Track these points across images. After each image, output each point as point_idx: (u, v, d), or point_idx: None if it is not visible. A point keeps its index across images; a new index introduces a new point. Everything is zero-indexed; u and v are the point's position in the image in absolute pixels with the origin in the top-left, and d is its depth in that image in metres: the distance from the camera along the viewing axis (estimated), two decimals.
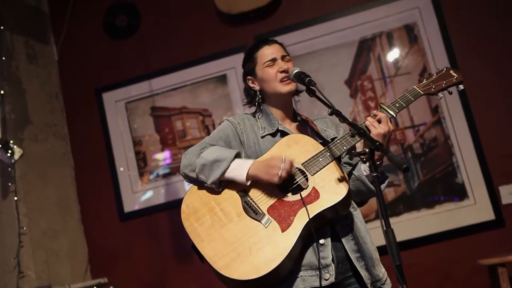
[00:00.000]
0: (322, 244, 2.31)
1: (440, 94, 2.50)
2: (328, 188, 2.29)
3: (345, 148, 2.35)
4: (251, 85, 2.61)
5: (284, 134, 2.50)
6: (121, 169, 4.53)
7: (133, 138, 4.57)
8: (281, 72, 2.50)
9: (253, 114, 2.63)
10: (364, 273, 2.35)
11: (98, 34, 4.74)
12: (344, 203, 2.30)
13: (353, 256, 2.36)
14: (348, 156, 2.52)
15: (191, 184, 2.52)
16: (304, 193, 2.30)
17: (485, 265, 3.73)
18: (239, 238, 2.29)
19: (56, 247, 4.16)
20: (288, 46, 2.71)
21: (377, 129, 2.31)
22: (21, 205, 3.93)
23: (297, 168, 2.36)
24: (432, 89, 2.48)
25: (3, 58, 3.98)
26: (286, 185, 2.35)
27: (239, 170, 2.34)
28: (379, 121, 2.34)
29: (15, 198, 3.90)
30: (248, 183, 2.35)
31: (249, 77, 2.61)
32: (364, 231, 2.43)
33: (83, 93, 4.68)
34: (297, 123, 2.63)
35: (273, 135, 2.51)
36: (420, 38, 4.19)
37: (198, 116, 4.49)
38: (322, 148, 2.39)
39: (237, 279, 2.22)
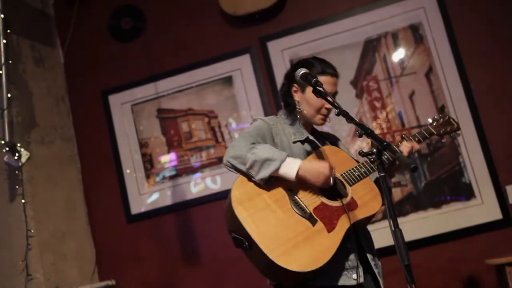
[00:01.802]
0: (349, 248, 2.50)
1: (445, 139, 2.94)
2: (365, 200, 2.54)
3: (376, 167, 2.56)
4: (293, 93, 2.69)
5: (312, 143, 2.66)
6: (128, 171, 4.54)
7: (139, 140, 4.58)
8: (326, 109, 2.63)
9: (281, 117, 2.74)
10: (380, 280, 2.58)
11: (104, 37, 4.76)
12: (373, 216, 2.57)
13: (372, 263, 2.58)
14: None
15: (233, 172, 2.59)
16: (345, 201, 2.51)
17: (493, 265, 3.72)
18: (294, 230, 2.40)
19: (63, 250, 4.17)
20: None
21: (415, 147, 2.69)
22: (28, 207, 3.94)
23: (336, 177, 2.56)
24: (441, 131, 2.88)
25: (10, 62, 4.00)
26: (328, 190, 2.53)
27: (290, 167, 2.43)
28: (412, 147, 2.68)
29: (23, 201, 3.91)
30: (295, 180, 2.46)
31: (295, 85, 2.67)
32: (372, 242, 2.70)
33: (89, 95, 4.70)
34: (315, 136, 2.77)
35: (302, 142, 2.65)
36: (425, 38, 4.19)
37: (204, 117, 4.50)
38: (355, 163, 2.65)
39: (295, 270, 2.32)
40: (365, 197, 2.56)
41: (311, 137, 2.67)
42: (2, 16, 3.94)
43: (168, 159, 4.51)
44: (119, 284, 4.38)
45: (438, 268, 3.98)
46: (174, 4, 4.67)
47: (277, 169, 2.42)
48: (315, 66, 2.64)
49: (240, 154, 2.46)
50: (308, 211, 2.45)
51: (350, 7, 4.34)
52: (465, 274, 3.95)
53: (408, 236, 3.87)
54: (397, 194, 4.10)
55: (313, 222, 2.43)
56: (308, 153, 2.63)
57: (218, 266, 4.29)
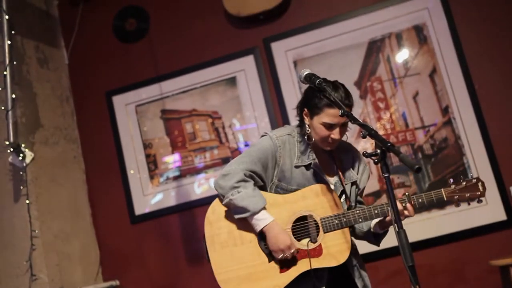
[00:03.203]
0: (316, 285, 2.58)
1: (459, 204, 2.63)
2: (332, 251, 2.57)
3: (360, 220, 2.58)
4: (304, 116, 2.66)
5: (315, 171, 2.64)
6: (132, 172, 4.55)
7: (143, 141, 4.59)
8: (332, 139, 2.58)
9: (295, 133, 2.71)
10: None
11: (108, 37, 4.77)
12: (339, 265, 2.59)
13: (358, 282, 2.66)
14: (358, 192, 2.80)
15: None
16: (311, 246, 2.57)
17: (497, 266, 3.71)
18: (245, 262, 2.58)
19: (67, 250, 4.18)
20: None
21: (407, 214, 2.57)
22: (32, 208, 3.95)
23: (314, 220, 2.60)
24: (455, 198, 2.61)
25: (14, 63, 4.00)
26: (298, 231, 2.61)
27: (257, 222, 2.56)
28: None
29: (27, 202, 3.92)
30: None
31: (306, 110, 2.64)
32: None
33: (94, 96, 4.71)
34: (325, 154, 2.73)
35: (306, 167, 2.65)
36: (429, 39, 4.18)
37: (208, 118, 4.50)
38: (341, 209, 2.62)
39: None
40: (333, 248, 2.57)
41: (313, 165, 2.63)
42: (6, 17, 3.95)
43: (172, 160, 4.52)
44: (123, 284, 4.39)
45: (442, 269, 3.97)
46: (178, 5, 4.68)
47: (248, 218, 2.56)
48: (326, 93, 2.52)
49: (224, 186, 2.59)
50: (268, 249, 2.57)
51: (354, 8, 4.33)
52: (469, 275, 3.94)
53: (412, 237, 3.87)
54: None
55: (270, 259, 2.57)
56: (306, 180, 2.65)
57: None
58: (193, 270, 4.34)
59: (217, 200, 2.68)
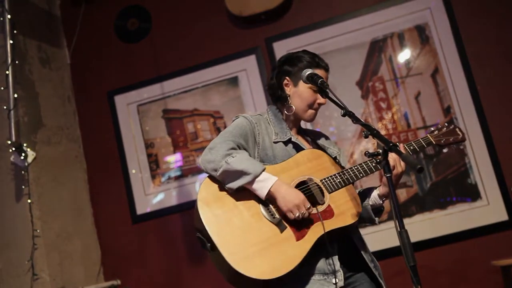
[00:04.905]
0: (330, 252, 2.39)
1: (446, 148, 2.75)
2: (343, 210, 2.43)
3: (361, 175, 2.49)
4: (285, 87, 2.61)
5: (295, 144, 2.55)
6: (133, 171, 4.55)
7: (145, 141, 4.59)
8: (318, 104, 2.56)
9: (268, 114, 2.65)
10: (382, 281, 2.50)
11: (110, 37, 4.77)
12: (353, 225, 2.47)
13: (371, 265, 2.50)
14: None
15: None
16: (320, 209, 2.39)
17: (499, 266, 3.71)
18: (257, 237, 2.32)
19: (69, 250, 4.18)
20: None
21: (398, 168, 2.42)
22: (34, 208, 3.95)
23: (315, 183, 2.45)
24: (442, 142, 2.68)
25: (17, 62, 4.01)
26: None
27: (261, 185, 2.36)
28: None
29: (29, 201, 3.93)
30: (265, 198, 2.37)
31: (287, 78, 2.60)
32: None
33: (96, 96, 4.71)
34: (302, 135, 2.69)
35: (285, 143, 2.55)
36: (431, 39, 4.18)
37: (210, 118, 4.50)
38: (339, 168, 2.54)
39: (254, 277, 2.25)
40: (344, 205, 2.45)
41: (294, 138, 2.56)
42: (9, 16, 3.95)
43: (173, 160, 4.52)
44: (124, 284, 4.40)
45: (443, 269, 3.97)
46: (180, 5, 4.68)
47: (249, 183, 2.36)
48: (307, 58, 2.59)
49: (214, 158, 2.39)
50: (278, 217, 2.36)
51: (356, 8, 4.33)
52: (471, 276, 3.94)
53: (414, 237, 3.87)
54: (402, 195, 4.09)
55: (282, 228, 2.35)
56: (289, 154, 2.53)
57: None
58: (195, 269, 4.34)
59: (206, 180, 2.46)
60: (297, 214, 2.32)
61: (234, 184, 2.36)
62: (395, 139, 4.14)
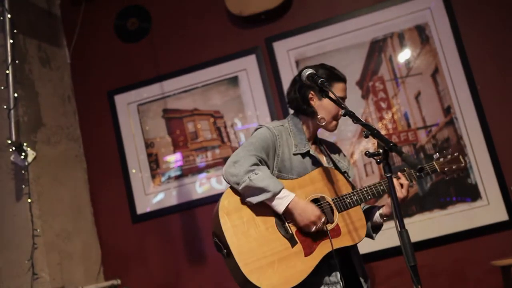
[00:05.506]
0: (333, 265, 2.59)
1: (448, 176, 2.85)
2: (350, 229, 2.62)
3: (369, 197, 2.67)
4: (310, 101, 2.74)
5: (312, 157, 2.72)
6: (133, 171, 4.55)
7: (145, 140, 4.59)
8: (340, 115, 2.69)
9: (289, 125, 2.79)
10: None
11: (110, 37, 4.77)
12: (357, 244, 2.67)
13: (361, 280, 2.70)
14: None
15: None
16: (329, 227, 2.59)
17: (499, 266, 3.71)
18: (270, 249, 2.51)
19: (69, 249, 4.18)
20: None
21: (399, 194, 2.64)
22: (34, 207, 3.95)
23: (327, 202, 2.64)
24: (445, 169, 2.81)
25: (16, 62, 4.01)
26: None
27: (279, 202, 2.53)
28: (402, 186, 2.67)
29: (29, 201, 3.93)
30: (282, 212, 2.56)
31: (312, 92, 2.72)
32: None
33: (96, 95, 4.71)
34: (317, 145, 2.87)
35: (303, 155, 2.70)
36: (431, 39, 4.18)
37: (210, 118, 4.50)
38: (348, 185, 2.72)
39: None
40: (351, 225, 2.62)
41: (312, 152, 2.71)
42: (9, 16, 3.95)
43: (173, 159, 4.52)
44: (124, 283, 4.40)
45: (443, 269, 3.97)
46: (180, 5, 4.68)
47: (268, 199, 2.52)
48: (331, 72, 2.73)
49: (237, 173, 2.53)
50: (290, 232, 2.55)
51: (356, 7, 4.33)
52: (471, 276, 3.94)
53: (413, 237, 3.87)
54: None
55: (293, 243, 2.53)
56: (305, 167, 2.69)
57: (223, 266, 4.26)
58: (194, 269, 4.34)
59: (228, 190, 2.62)
60: (313, 229, 2.51)
61: (254, 199, 2.53)
62: (395, 139, 4.14)
